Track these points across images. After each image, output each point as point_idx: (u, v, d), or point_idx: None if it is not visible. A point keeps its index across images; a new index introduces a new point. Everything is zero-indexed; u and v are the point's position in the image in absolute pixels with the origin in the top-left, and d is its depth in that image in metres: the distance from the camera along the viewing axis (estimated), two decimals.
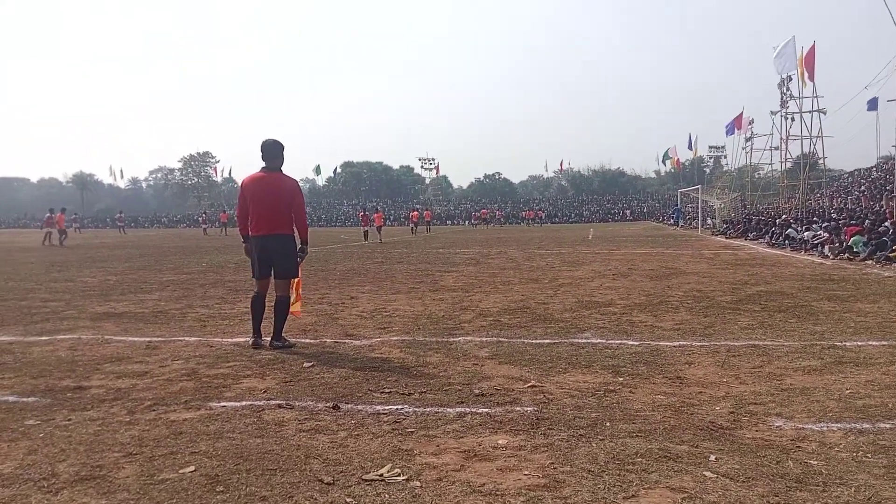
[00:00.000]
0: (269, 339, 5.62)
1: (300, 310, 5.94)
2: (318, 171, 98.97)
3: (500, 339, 5.81)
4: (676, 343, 5.54)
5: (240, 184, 5.74)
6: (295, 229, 5.69)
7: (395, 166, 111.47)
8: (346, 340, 5.86)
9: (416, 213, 39.57)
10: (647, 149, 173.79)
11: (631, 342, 5.58)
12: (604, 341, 5.63)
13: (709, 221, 37.22)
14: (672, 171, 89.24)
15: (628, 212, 74.06)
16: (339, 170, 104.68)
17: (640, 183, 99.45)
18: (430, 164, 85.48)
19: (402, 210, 79.19)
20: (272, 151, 5.63)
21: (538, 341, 5.67)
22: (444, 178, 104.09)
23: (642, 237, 27.80)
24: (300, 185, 5.84)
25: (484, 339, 5.82)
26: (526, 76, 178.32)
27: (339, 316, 7.24)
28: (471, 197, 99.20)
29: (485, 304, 7.96)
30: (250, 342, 5.62)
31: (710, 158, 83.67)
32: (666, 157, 78.49)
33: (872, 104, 39.31)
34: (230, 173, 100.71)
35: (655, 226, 48.17)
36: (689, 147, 69.22)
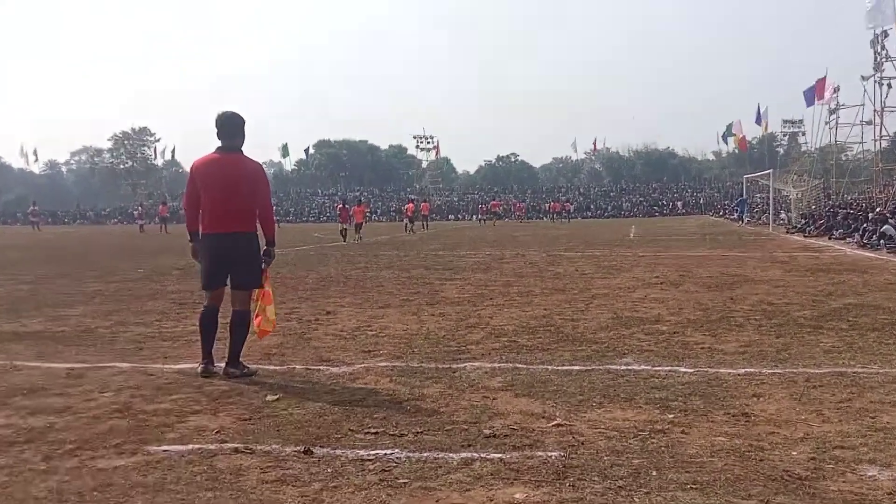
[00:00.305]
0: (224, 364, 5.66)
1: (269, 329, 5.97)
2: (284, 151, 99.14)
3: (517, 364, 5.82)
4: (741, 370, 5.54)
5: (189, 168, 5.78)
6: (259, 226, 5.72)
7: (384, 146, 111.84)
8: (321, 367, 5.88)
9: (411, 204, 39.53)
10: (704, 124, 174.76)
11: (683, 369, 5.59)
12: (649, 368, 5.64)
13: (782, 215, 37.23)
14: (736, 151, 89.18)
15: (680, 203, 74.21)
16: (311, 150, 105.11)
17: (695, 167, 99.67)
18: (428, 142, 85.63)
19: (392, 202, 79.32)
20: (230, 127, 5.65)
21: (565, 368, 5.69)
22: (446, 160, 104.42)
23: (697, 236, 27.82)
24: (262, 169, 5.84)
25: (496, 364, 5.83)
26: (548, 32, 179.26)
27: (312, 336, 7.25)
28: (479, 185, 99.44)
29: (497, 321, 7.97)
30: (199, 369, 5.65)
31: (785, 136, 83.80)
32: (728, 133, 78.41)
33: None
34: (173, 155, 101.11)
35: (714, 221, 48.21)
36: (758, 121, 69.07)
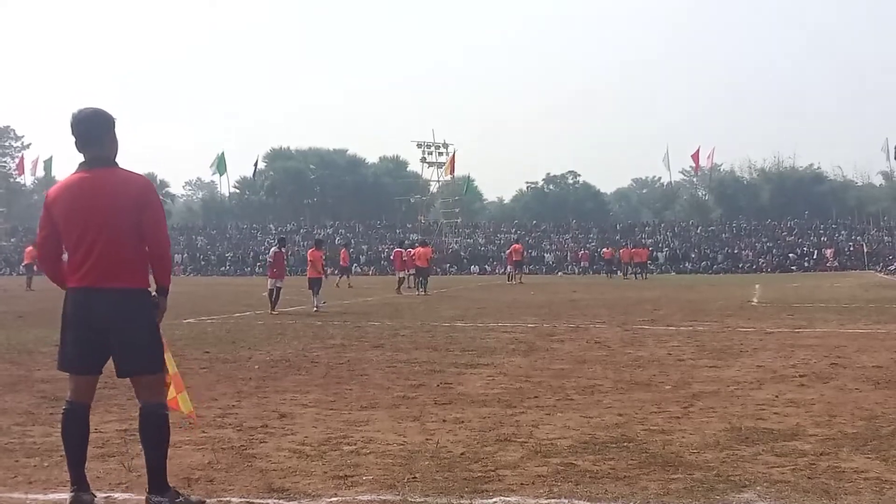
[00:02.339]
0: (146, 492, 5.71)
1: (190, 409, 6.10)
2: (219, 166, 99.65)
3: (577, 501, 5.79)
4: None
5: (45, 197, 5.88)
6: (150, 274, 5.83)
7: (373, 158, 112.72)
8: (270, 500, 5.86)
9: (420, 249, 39.71)
10: (866, 132, 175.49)
11: None
12: None
13: None
14: None
15: (829, 252, 74.05)
16: (261, 163, 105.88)
17: (854, 196, 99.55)
18: (440, 153, 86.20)
19: (384, 243, 79.81)
20: (91, 131, 5.76)
21: None
22: (468, 181, 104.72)
23: (858, 302, 27.72)
24: (152, 188, 5.89)
25: (543, 501, 5.80)
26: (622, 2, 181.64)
27: (258, 451, 7.24)
28: (518, 218, 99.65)
29: (545, 432, 7.93)
30: (68, 500, 5.67)
31: None
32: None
33: None
34: (49, 169, 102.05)
35: (883, 280, 47.99)
36: None
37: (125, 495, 5.98)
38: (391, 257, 35.91)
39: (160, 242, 5.78)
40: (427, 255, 36.67)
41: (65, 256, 5.83)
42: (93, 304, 5.62)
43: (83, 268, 5.63)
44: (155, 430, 5.71)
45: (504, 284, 47.38)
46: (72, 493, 5.64)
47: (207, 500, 5.85)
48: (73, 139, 5.74)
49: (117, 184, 5.68)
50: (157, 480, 5.66)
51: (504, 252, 67.78)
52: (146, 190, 5.75)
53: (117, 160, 5.83)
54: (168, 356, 5.96)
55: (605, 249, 66.39)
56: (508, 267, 50.18)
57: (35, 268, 45.21)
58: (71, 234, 5.65)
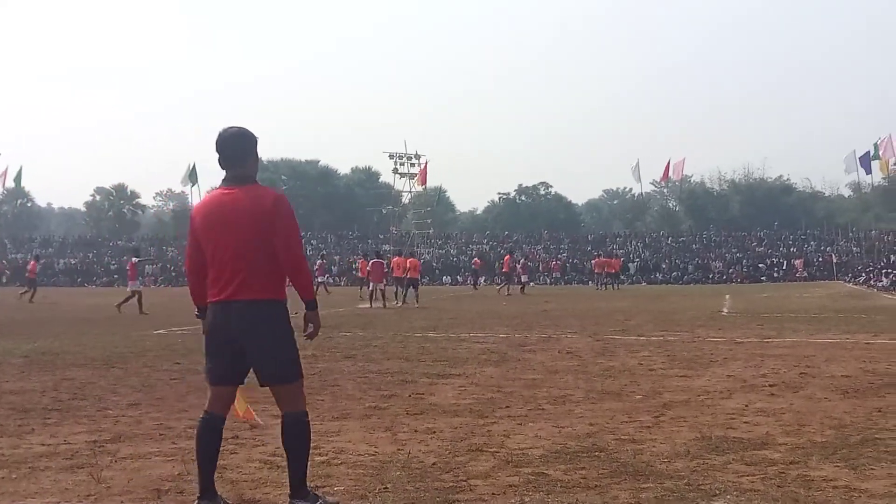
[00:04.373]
0: (290, 499, 5.87)
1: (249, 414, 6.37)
2: (191, 177, 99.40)
3: None
4: None
5: (190, 214, 6.13)
6: (288, 285, 5.97)
7: (345, 169, 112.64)
8: None
9: (399, 258, 39.62)
10: (835, 144, 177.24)
11: None
12: None
13: None
14: (884, 183, 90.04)
15: (799, 262, 74.54)
16: None
17: (823, 207, 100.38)
18: (412, 163, 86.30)
19: (356, 254, 79.63)
20: (234, 149, 5.97)
21: None
22: (440, 192, 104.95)
23: (827, 312, 27.96)
24: (284, 201, 6.00)
25: None
26: (595, 13, 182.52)
27: (228, 462, 7.21)
28: (490, 229, 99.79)
29: (516, 442, 7.95)
30: None
31: None
32: (874, 156, 79.18)
33: None
34: (18, 180, 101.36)
35: (853, 290, 48.33)
36: None
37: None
38: (368, 268, 35.42)
39: (294, 256, 5.90)
40: (417, 266, 37.62)
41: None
42: (231, 316, 5.82)
43: (221, 281, 5.86)
44: (298, 438, 5.91)
45: (478, 295, 47.42)
46: (198, 501, 5.78)
47: None
48: (217, 156, 5.97)
49: (252, 199, 5.86)
50: (299, 486, 5.84)
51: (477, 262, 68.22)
52: (278, 203, 5.89)
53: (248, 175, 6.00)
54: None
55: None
56: (523, 277, 50.32)
57: (34, 280, 44.93)
58: (209, 249, 5.88)
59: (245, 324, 5.79)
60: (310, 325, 6.08)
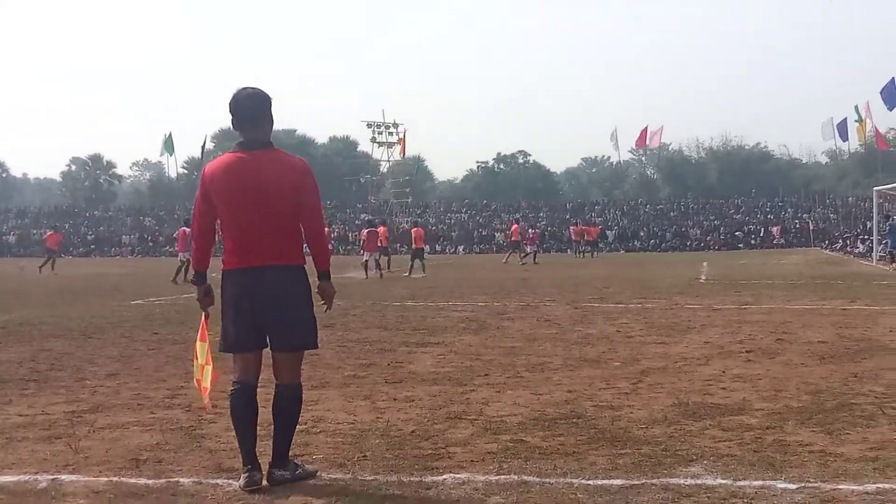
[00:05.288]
0: (269, 467, 5.84)
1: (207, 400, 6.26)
2: (168, 146, 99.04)
3: (525, 477, 5.82)
4: (871, 486, 5.56)
5: (201, 175, 6.00)
6: (307, 253, 5.96)
7: (323, 139, 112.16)
8: (219, 480, 5.86)
9: (383, 228, 39.16)
10: (813, 111, 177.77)
11: (782, 485, 5.61)
12: (729, 483, 5.66)
13: None
14: (861, 149, 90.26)
15: (776, 229, 74.82)
16: (209, 144, 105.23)
17: (800, 174, 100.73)
18: (390, 133, 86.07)
19: (333, 224, 79.55)
20: (252, 110, 5.90)
21: (600, 482, 5.69)
22: (418, 161, 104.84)
23: (804, 279, 28.12)
24: (310, 170, 5.98)
25: (493, 477, 5.83)
26: None
27: (207, 432, 7.23)
28: (469, 198, 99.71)
29: (495, 409, 7.98)
30: (241, 482, 5.71)
31: None
32: (858, 119, 79.23)
33: None
34: None
35: (829, 257, 48.53)
36: (891, 104, 70.04)
37: (72, 477, 5.94)
38: (363, 237, 34.56)
39: (319, 224, 5.98)
40: (422, 236, 36.88)
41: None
42: (254, 282, 5.79)
43: (244, 249, 5.81)
44: (292, 409, 5.93)
45: (458, 264, 47.44)
46: (245, 475, 5.71)
47: (154, 482, 5.84)
48: (231, 117, 5.91)
49: (279, 166, 5.84)
50: (281, 455, 5.85)
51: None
52: (305, 172, 5.91)
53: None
54: (199, 346, 6.20)
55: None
56: (530, 247, 49.17)
57: (55, 251, 44.08)
58: (230, 214, 5.81)
59: (272, 290, 5.76)
60: (326, 294, 6.07)
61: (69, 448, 6.69)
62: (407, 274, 32.93)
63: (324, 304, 6.09)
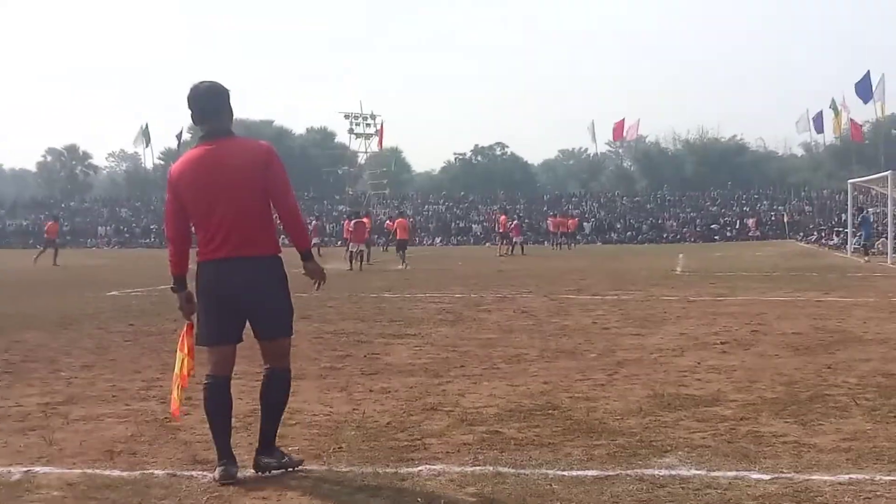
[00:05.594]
0: (256, 455, 5.81)
1: (175, 406, 6.16)
2: (144, 137, 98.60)
3: (501, 468, 5.83)
4: (844, 477, 5.59)
5: (167, 176, 5.95)
6: (284, 239, 5.93)
7: (300, 129, 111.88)
8: (195, 472, 5.84)
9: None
10: (789, 103, 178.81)
11: (756, 475, 5.62)
12: (703, 473, 5.68)
13: None
14: (837, 141, 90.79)
15: (751, 222, 75.15)
16: (186, 135, 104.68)
17: (776, 166, 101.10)
18: (368, 124, 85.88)
19: (310, 216, 79.38)
20: (212, 103, 5.86)
21: (575, 473, 5.70)
22: (396, 153, 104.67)
23: (779, 271, 28.25)
24: (274, 152, 5.94)
25: (468, 469, 5.83)
26: None
27: (182, 424, 7.19)
28: (448, 189, 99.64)
29: (471, 401, 7.98)
30: (216, 474, 5.67)
31: None
32: (833, 107, 79.58)
33: None
34: None
35: (805, 248, 48.76)
36: (866, 97, 70.44)
37: (46, 469, 5.92)
38: (350, 228, 34.39)
39: (290, 205, 5.90)
40: (405, 226, 36.57)
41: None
42: (229, 274, 5.73)
43: (216, 240, 5.74)
44: (281, 393, 5.95)
45: (435, 256, 47.44)
46: (221, 467, 5.68)
47: (128, 473, 5.82)
48: (191, 113, 5.88)
49: (241, 152, 5.82)
50: (268, 442, 5.84)
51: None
52: (269, 154, 5.86)
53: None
54: (178, 356, 6.07)
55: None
56: (517, 238, 48.81)
57: (55, 241, 43.21)
58: (200, 209, 5.76)
59: (250, 280, 5.72)
60: (313, 276, 6.05)
61: (43, 440, 6.65)
62: (402, 266, 32.48)
63: (315, 284, 6.06)
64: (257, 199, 5.73)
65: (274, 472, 5.73)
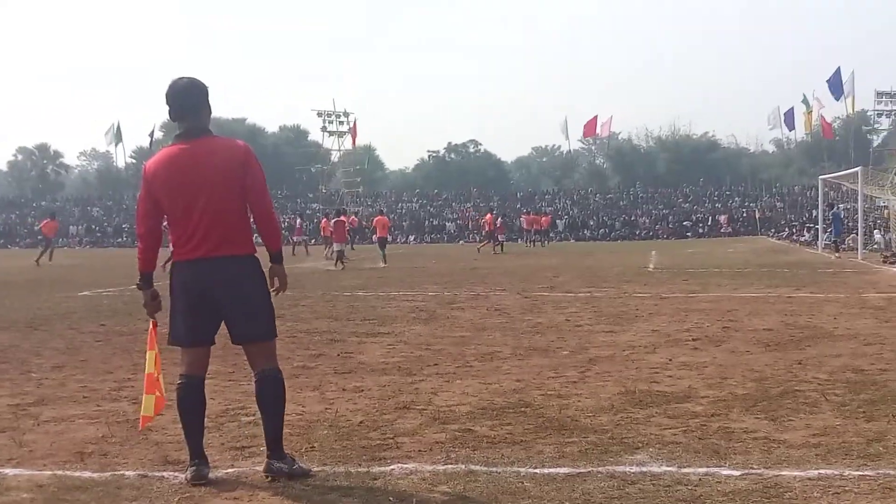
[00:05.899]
0: (267, 459, 5.75)
1: (149, 413, 6.03)
2: (115, 135, 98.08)
3: (473, 466, 5.85)
4: (814, 472, 5.64)
5: (142, 173, 5.87)
6: (258, 239, 5.87)
7: (273, 128, 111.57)
8: (165, 473, 5.83)
9: (326, 220, 39.23)
10: (759, 100, 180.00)
11: (727, 471, 5.67)
12: (674, 470, 5.71)
13: (877, 237, 37.99)
14: (808, 137, 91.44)
15: (723, 218, 75.56)
16: (158, 133, 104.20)
17: (747, 163, 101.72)
18: (341, 122, 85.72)
19: (284, 214, 79.23)
20: (190, 100, 5.81)
21: (547, 471, 5.72)
22: (369, 150, 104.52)
23: (751, 267, 28.42)
24: (251, 152, 5.89)
25: (440, 467, 5.85)
26: None
27: (154, 424, 7.10)
28: (420, 187, 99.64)
29: (444, 399, 8.00)
30: (188, 474, 5.64)
31: (882, 116, 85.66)
32: (805, 102, 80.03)
33: None
34: None
35: (776, 245, 49.02)
36: (837, 94, 70.93)
37: (16, 471, 5.89)
38: (332, 226, 34.56)
39: (267, 205, 5.87)
40: (385, 224, 36.85)
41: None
42: (205, 274, 5.70)
43: (193, 240, 5.70)
44: (274, 395, 5.85)
45: (409, 254, 47.41)
46: (192, 468, 5.65)
47: (99, 475, 5.80)
48: (169, 109, 5.82)
49: (220, 152, 5.78)
50: (276, 446, 5.77)
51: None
52: (247, 154, 5.82)
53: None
54: (149, 354, 6.00)
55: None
56: (500, 236, 48.82)
57: (51, 239, 42.61)
58: (177, 207, 5.70)
59: (228, 279, 5.69)
60: (276, 279, 5.98)
61: (13, 442, 6.63)
62: (383, 264, 32.36)
63: (275, 289, 6.00)
64: (235, 198, 5.70)
65: (282, 477, 5.65)
